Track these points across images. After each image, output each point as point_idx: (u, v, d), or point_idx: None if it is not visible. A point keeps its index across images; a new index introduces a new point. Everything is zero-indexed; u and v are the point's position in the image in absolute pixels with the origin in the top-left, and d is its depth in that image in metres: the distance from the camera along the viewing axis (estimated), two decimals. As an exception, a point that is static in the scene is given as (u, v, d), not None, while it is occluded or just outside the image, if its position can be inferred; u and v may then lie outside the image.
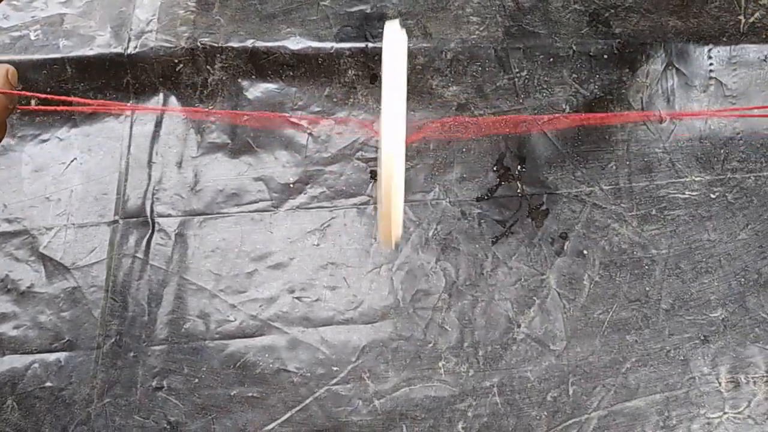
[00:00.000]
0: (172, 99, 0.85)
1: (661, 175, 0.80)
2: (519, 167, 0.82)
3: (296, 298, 0.78)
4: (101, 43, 0.86)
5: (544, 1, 0.85)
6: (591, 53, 0.83)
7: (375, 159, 0.83)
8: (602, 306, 0.76)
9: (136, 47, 0.85)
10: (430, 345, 0.75)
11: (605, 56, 0.83)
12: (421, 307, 0.77)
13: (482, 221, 0.80)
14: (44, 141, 0.85)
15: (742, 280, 0.76)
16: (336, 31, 0.85)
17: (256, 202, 0.82)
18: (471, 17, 0.85)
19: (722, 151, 0.81)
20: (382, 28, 0.83)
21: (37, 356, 0.77)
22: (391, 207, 0.44)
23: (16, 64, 0.60)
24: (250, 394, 0.74)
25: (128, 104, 0.85)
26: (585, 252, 0.78)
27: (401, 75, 0.45)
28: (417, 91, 0.84)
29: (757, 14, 0.84)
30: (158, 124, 0.85)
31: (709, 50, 0.83)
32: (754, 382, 0.73)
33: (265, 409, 0.74)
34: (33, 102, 0.86)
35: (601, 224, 0.79)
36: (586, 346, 0.75)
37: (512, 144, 0.82)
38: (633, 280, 0.77)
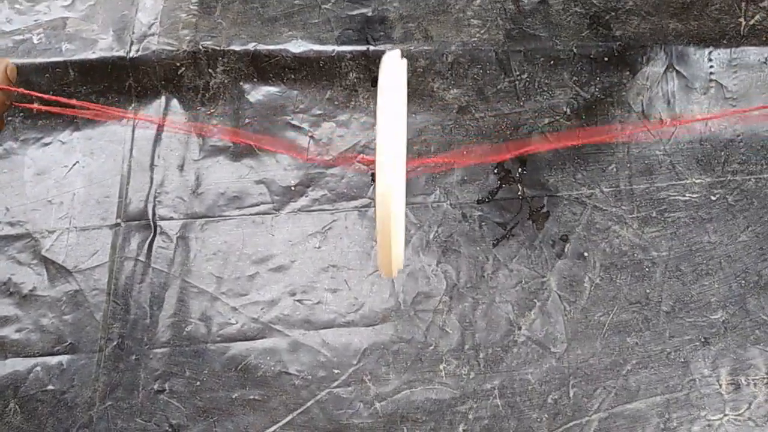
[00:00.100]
0: (174, 102, 0.86)
1: (662, 177, 0.80)
2: (520, 170, 0.82)
3: (297, 300, 0.78)
4: (103, 47, 0.86)
5: (544, 4, 0.86)
6: (591, 56, 0.83)
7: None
8: (603, 308, 0.76)
9: (138, 50, 0.85)
10: (431, 347, 0.75)
11: (606, 59, 0.83)
12: (422, 309, 0.77)
13: (483, 224, 0.80)
14: (46, 144, 0.86)
15: (743, 282, 0.76)
16: (337, 34, 0.85)
17: (257, 205, 0.82)
18: (472, 20, 0.85)
19: (723, 153, 0.81)
20: (384, 32, 0.84)
21: (40, 359, 0.77)
22: (391, 242, 0.43)
23: (19, 68, 0.60)
24: (251, 397, 0.75)
25: (129, 110, 0.86)
26: (585, 254, 0.78)
27: (401, 102, 0.44)
28: (418, 93, 0.84)
29: (757, 17, 0.84)
30: (160, 128, 0.85)
31: (710, 53, 0.83)
32: (755, 384, 0.73)
33: (266, 411, 0.74)
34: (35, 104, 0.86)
35: (601, 226, 0.79)
36: (586, 349, 0.75)
37: (513, 147, 0.82)
38: (633, 282, 0.77)
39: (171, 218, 0.82)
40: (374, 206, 0.81)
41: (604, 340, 0.75)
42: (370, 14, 0.86)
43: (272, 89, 0.85)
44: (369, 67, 0.84)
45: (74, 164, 0.85)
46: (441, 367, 0.75)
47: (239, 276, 0.79)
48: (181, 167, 0.84)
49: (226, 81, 0.85)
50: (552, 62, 0.83)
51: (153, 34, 0.86)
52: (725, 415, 0.72)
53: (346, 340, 0.76)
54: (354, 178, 0.82)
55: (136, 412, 0.74)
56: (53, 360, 0.77)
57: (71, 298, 0.79)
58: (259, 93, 0.85)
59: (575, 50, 0.83)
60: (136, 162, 0.84)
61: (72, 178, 0.84)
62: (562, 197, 0.80)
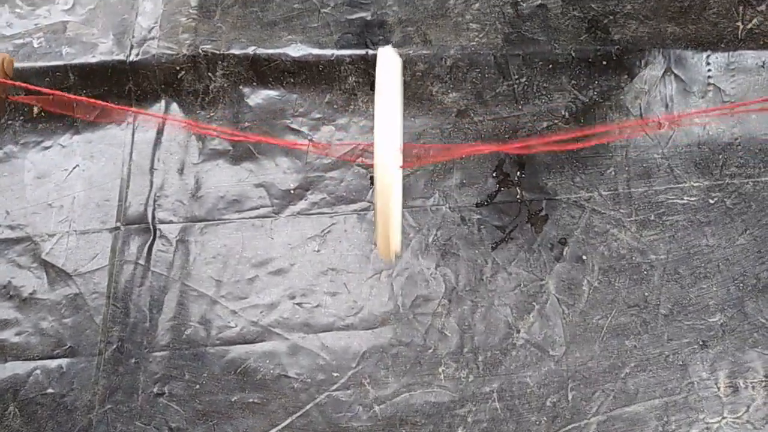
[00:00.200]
0: (174, 106, 0.86)
1: (660, 180, 0.81)
2: (518, 173, 0.82)
3: (297, 304, 0.78)
4: (104, 51, 0.86)
5: (543, 8, 0.86)
6: (590, 59, 0.83)
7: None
8: (601, 311, 0.76)
9: (138, 54, 0.86)
10: (430, 350, 0.76)
11: (604, 62, 0.83)
12: (421, 312, 0.77)
13: (482, 227, 0.80)
14: (47, 148, 0.86)
15: (741, 285, 0.77)
16: (337, 38, 0.85)
17: (257, 208, 0.82)
18: (471, 24, 0.86)
19: (721, 156, 0.81)
20: (383, 36, 0.84)
21: (39, 363, 0.77)
22: (389, 224, 0.44)
23: (20, 72, 0.60)
24: (250, 400, 0.75)
25: (128, 114, 0.86)
26: (584, 257, 0.78)
27: (395, 92, 0.45)
28: (417, 97, 0.84)
29: (754, 21, 0.84)
30: (160, 131, 0.85)
31: (708, 56, 0.84)
32: (753, 387, 0.73)
33: (265, 414, 0.74)
34: (35, 110, 0.87)
35: (600, 230, 0.79)
36: (585, 352, 0.75)
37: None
38: (632, 286, 0.77)
39: (171, 222, 0.82)
40: (373, 209, 0.82)
41: (603, 344, 0.75)
42: (369, 18, 0.86)
43: (272, 93, 0.86)
44: (368, 71, 0.84)
45: (74, 167, 0.85)
46: (440, 370, 0.75)
47: (239, 279, 0.79)
48: (181, 171, 0.84)
49: (225, 85, 0.86)
50: (550, 66, 0.84)
51: (153, 38, 0.87)
52: (723, 418, 0.72)
53: (345, 344, 0.76)
54: (353, 182, 0.83)
55: (136, 416, 0.75)
56: (53, 363, 0.77)
57: (71, 302, 0.79)
58: (258, 97, 0.86)
59: (574, 54, 0.83)
60: (135, 165, 0.84)
61: (72, 182, 0.84)
62: (561, 200, 0.81)
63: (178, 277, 0.79)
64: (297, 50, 0.85)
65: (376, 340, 0.76)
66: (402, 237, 0.79)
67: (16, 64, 0.85)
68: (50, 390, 0.76)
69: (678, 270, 0.77)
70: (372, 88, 0.84)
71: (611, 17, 0.85)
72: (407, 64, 0.84)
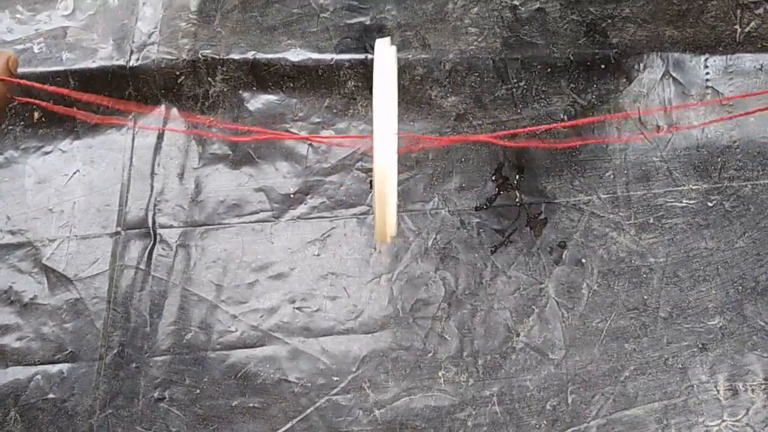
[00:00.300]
0: (174, 111, 0.86)
1: (659, 183, 0.81)
2: (517, 176, 0.82)
3: (297, 308, 0.78)
4: (103, 56, 0.87)
5: (541, 12, 0.86)
6: (588, 63, 0.84)
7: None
8: (601, 315, 0.76)
9: (138, 59, 0.86)
10: (430, 354, 0.76)
11: (602, 66, 0.84)
12: (420, 316, 0.77)
13: (481, 230, 0.80)
14: (47, 153, 0.86)
15: (740, 288, 0.77)
16: (336, 42, 0.86)
17: (257, 212, 0.82)
18: (469, 28, 0.86)
19: (719, 159, 0.81)
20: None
21: (40, 368, 0.77)
22: (385, 206, 0.45)
23: (20, 77, 0.60)
24: (251, 405, 0.75)
25: (128, 118, 0.86)
26: (583, 261, 0.78)
27: (392, 83, 0.47)
28: (416, 101, 0.84)
29: (752, 24, 0.84)
30: (160, 136, 0.86)
31: (706, 59, 0.84)
32: (752, 390, 0.73)
33: (266, 419, 0.74)
34: (36, 115, 0.87)
35: (599, 233, 0.79)
36: (584, 355, 0.75)
37: (510, 153, 0.83)
38: (631, 289, 0.77)
39: (171, 226, 0.82)
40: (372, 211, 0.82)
41: (602, 347, 0.75)
42: (368, 23, 0.87)
43: (271, 97, 0.86)
44: (367, 75, 0.84)
45: (74, 173, 0.85)
46: (440, 374, 0.75)
47: (239, 284, 0.79)
48: (181, 175, 0.84)
49: (225, 89, 0.86)
50: (549, 70, 0.84)
51: (153, 43, 0.87)
52: (723, 420, 0.72)
53: (345, 348, 0.76)
54: (353, 186, 0.83)
55: (137, 420, 0.75)
56: (54, 368, 0.77)
57: (72, 307, 0.79)
58: (258, 101, 0.86)
59: (572, 58, 0.84)
60: (136, 170, 0.84)
61: (72, 187, 0.84)
62: (560, 204, 0.81)
63: (179, 281, 0.80)
64: (296, 55, 0.85)
65: (376, 344, 0.76)
66: (401, 241, 0.79)
67: (18, 70, 0.86)
68: (51, 395, 0.76)
69: (677, 273, 0.77)
70: (371, 92, 0.85)
71: (609, 21, 0.85)
72: (406, 69, 0.84)
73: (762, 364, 0.74)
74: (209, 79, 0.86)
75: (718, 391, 0.73)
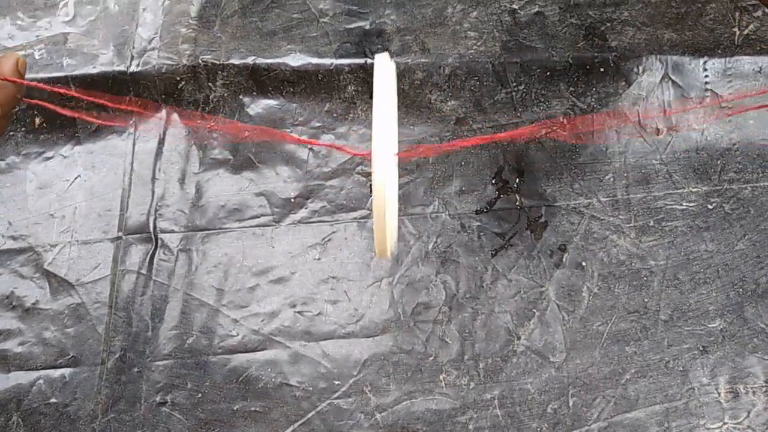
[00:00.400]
0: (174, 116, 0.86)
1: (659, 186, 0.81)
2: (517, 180, 0.82)
3: (298, 312, 0.78)
4: (104, 62, 0.87)
5: (540, 16, 0.87)
6: (587, 66, 0.84)
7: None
8: (601, 317, 0.76)
9: (138, 65, 0.86)
10: (431, 358, 0.76)
11: (602, 69, 0.84)
12: (421, 320, 0.77)
13: (482, 234, 0.80)
14: (48, 158, 0.87)
15: (740, 290, 0.77)
16: (335, 47, 0.86)
17: (257, 217, 0.83)
18: (468, 32, 0.86)
19: (719, 161, 0.82)
20: (381, 45, 0.84)
21: (42, 372, 0.77)
22: (385, 223, 0.45)
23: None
24: (252, 409, 0.75)
25: (129, 123, 0.86)
26: (584, 264, 0.79)
27: (391, 98, 0.47)
28: (416, 105, 0.85)
29: (751, 26, 0.84)
30: (161, 141, 0.86)
31: (705, 62, 0.84)
32: (753, 393, 0.73)
33: (267, 423, 0.74)
34: (37, 120, 0.87)
35: (599, 236, 0.80)
36: (585, 358, 0.75)
37: (510, 157, 0.83)
38: (631, 292, 0.77)
39: (172, 231, 0.82)
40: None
41: (603, 350, 0.75)
42: (367, 27, 0.87)
43: (271, 102, 0.86)
44: (367, 80, 0.85)
45: (75, 178, 0.85)
46: (441, 377, 0.75)
47: (240, 288, 0.80)
48: (182, 180, 0.84)
49: (225, 94, 0.86)
50: (548, 73, 0.84)
51: (153, 49, 0.87)
52: (724, 423, 0.72)
53: (347, 352, 0.76)
54: (353, 190, 0.83)
55: (139, 425, 0.75)
56: (56, 373, 0.77)
57: (73, 312, 0.79)
58: (258, 106, 0.86)
59: (571, 61, 0.84)
60: (137, 175, 0.85)
61: (73, 192, 0.85)
62: (560, 207, 0.81)
63: (180, 286, 0.80)
64: (296, 60, 0.85)
65: (377, 348, 0.76)
66: (402, 244, 0.79)
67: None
68: (53, 400, 0.76)
69: (677, 276, 0.78)
70: (371, 96, 0.85)
71: (608, 24, 0.86)
72: (406, 73, 0.84)
73: (763, 367, 0.74)
74: (210, 84, 0.86)
75: (719, 394, 0.73)
